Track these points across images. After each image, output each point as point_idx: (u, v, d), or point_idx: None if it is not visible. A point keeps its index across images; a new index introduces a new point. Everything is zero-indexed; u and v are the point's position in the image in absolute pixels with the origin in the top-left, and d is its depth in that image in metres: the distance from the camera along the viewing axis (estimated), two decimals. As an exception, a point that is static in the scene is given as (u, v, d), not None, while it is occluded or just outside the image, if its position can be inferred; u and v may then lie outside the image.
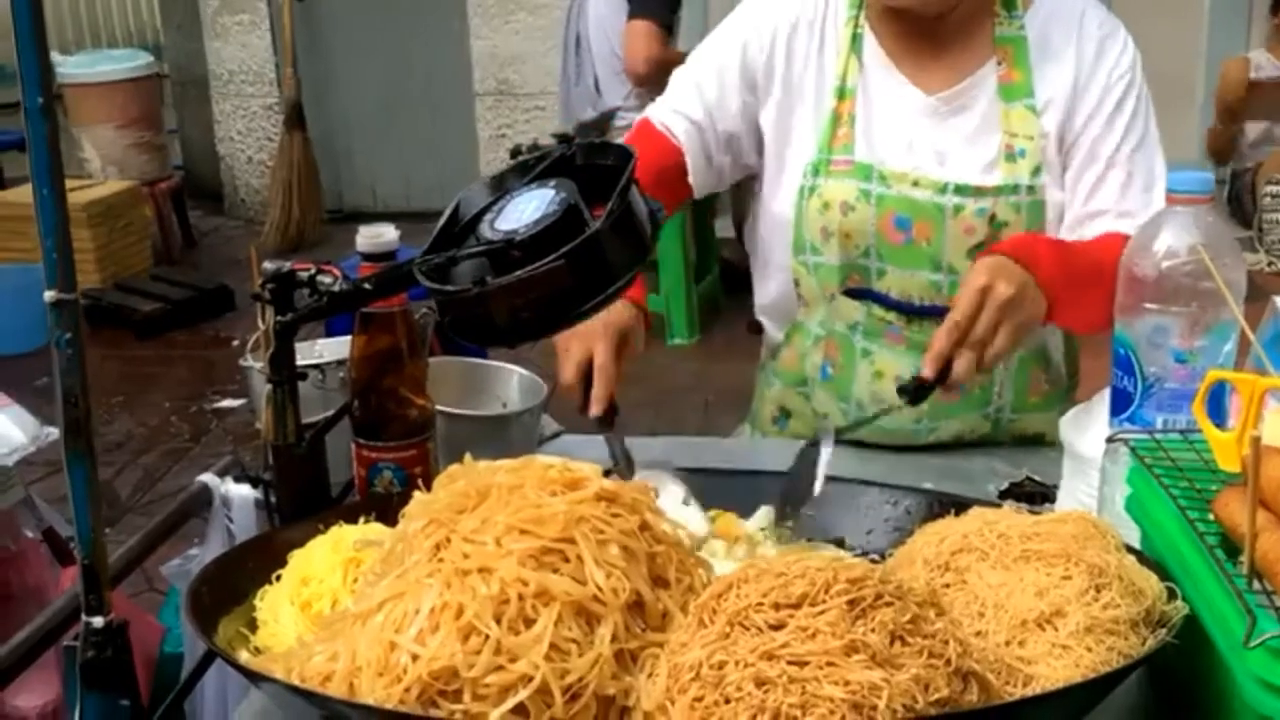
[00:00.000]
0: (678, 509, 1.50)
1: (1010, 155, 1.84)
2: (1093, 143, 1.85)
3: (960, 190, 1.83)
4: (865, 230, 1.85)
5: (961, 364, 1.58)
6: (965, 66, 1.87)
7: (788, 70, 1.91)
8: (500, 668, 1.02)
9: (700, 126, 1.94)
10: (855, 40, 1.89)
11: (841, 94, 1.88)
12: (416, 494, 1.22)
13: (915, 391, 1.60)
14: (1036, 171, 1.83)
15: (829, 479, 1.58)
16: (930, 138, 1.87)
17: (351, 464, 1.59)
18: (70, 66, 7.13)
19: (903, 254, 1.85)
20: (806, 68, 1.91)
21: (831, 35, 1.90)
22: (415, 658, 1.02)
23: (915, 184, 1.84)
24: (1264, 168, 6.13)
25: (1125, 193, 1.84)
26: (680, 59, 2.08)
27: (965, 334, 1.58)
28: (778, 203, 1.93)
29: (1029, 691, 1.07)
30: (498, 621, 1.03)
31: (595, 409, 1.66)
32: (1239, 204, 6.39)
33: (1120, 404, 1.47)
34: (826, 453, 1.56)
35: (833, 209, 1.85)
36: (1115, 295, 1.51)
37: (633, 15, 5.17)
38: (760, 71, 1.91)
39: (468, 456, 1.25)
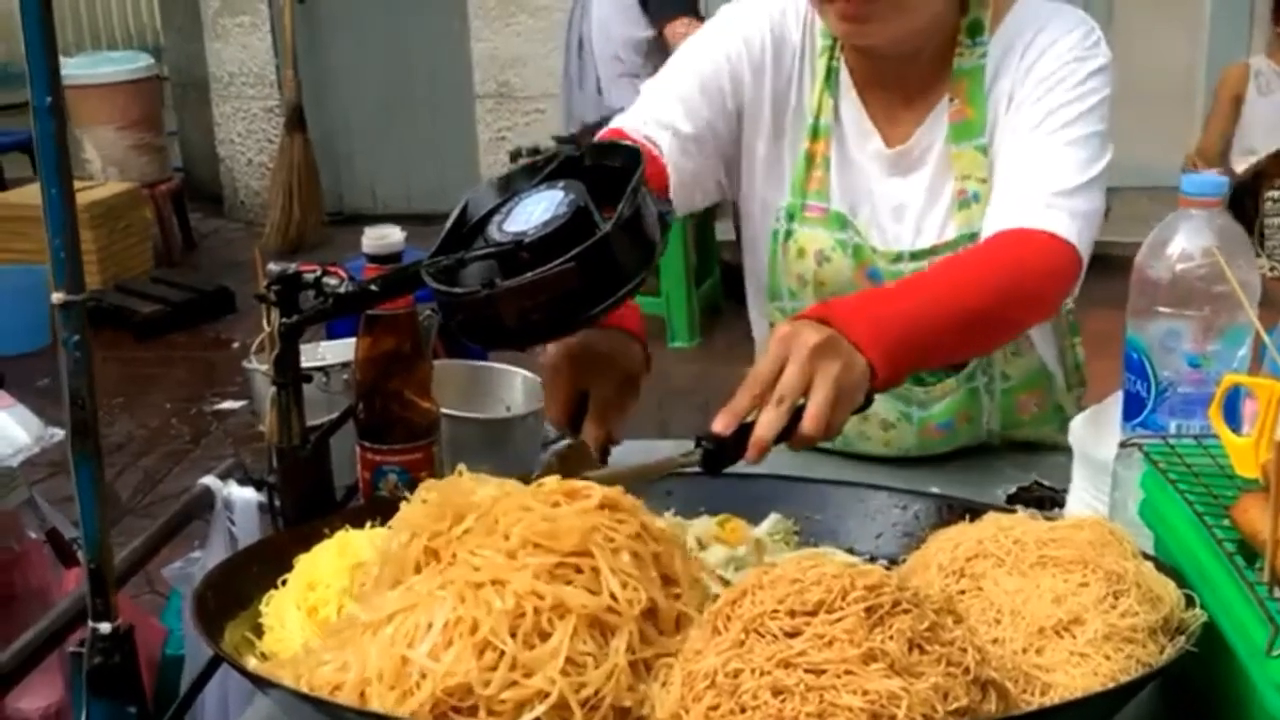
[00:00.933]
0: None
1: (964, 202, 1.74)
2: (1012, 130, 1.70)
3: (915, 256, 1.76)
4: (841, 280, 1.77)
5: (766, 417, 1.33)
6: (920, 112, 1.77)
7: (775, 97, 1.80)
8: (516, 684, 1.00)
9: (686, 140, 1.77)
10: (830, 75, 1.79)
11: (815, 133, 1.79)
12: (403, 505, 1.20)
13: (710, 455, 1.34)
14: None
15: (838, 483, 1.58)
16: (889, 193, 1.78)
17: (356, 467, 1.58)
18: (71, 68, 7.11)
19: None
20: (787, 96, 1.81)
21: (810, 65, 1.80)
22: (428, 674, 1.00)
23: (873, 250, 1.77)
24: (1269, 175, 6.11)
25: (1025, 177, 1.65)
26: None
27: (768, 387, 1.35)
28: (757, 244, 1.86)
29: (1047, 700, 1.06)
30: (513, 636, 1.01)
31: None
32: (1240, 209, 6.39)
33: (1133, 408, 1.46)
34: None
35: (807, 257, 1.78)
36: (1003, 284, 1.46)
37: (667, 18, 5.20)
38: (748, 100, 1.80)
39: (462, 467, 1.23)
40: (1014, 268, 1.59)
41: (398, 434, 1.55)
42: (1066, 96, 1.68)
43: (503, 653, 1.00)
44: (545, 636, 1.02)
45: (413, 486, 1.51)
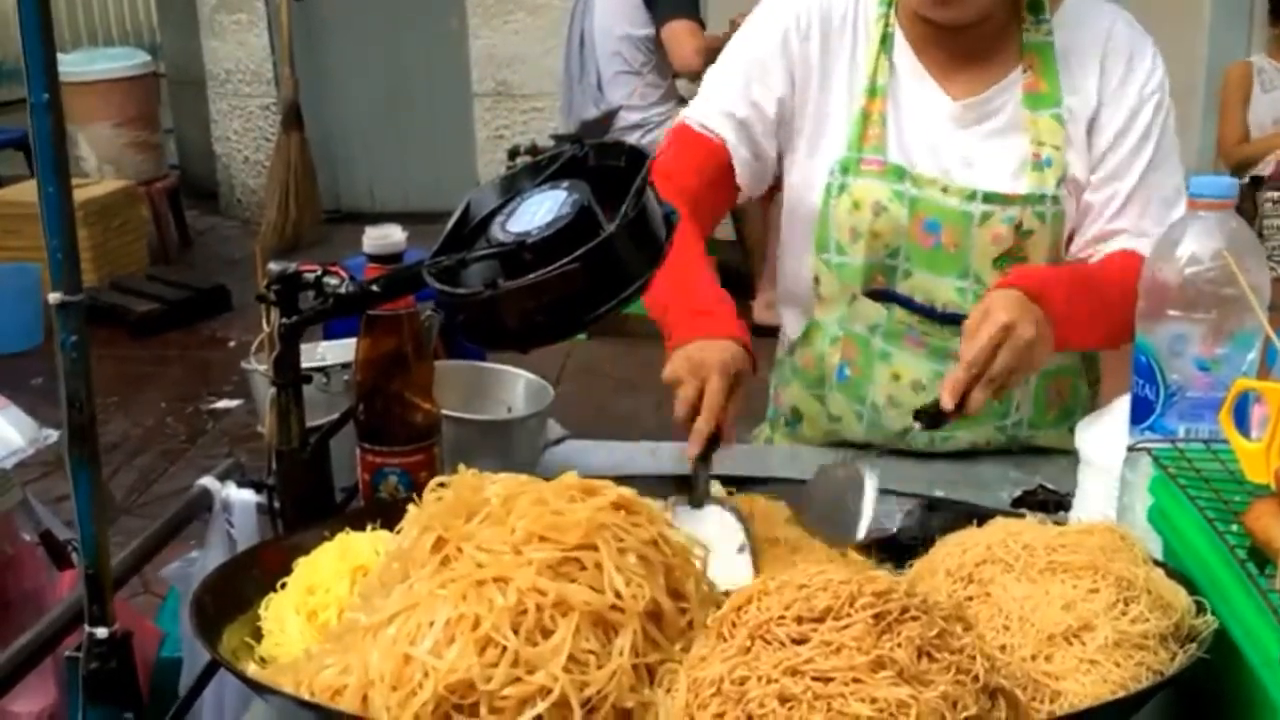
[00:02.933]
0: (731, 555, 1.45)
1: (1037, 164, 1.81)
2: (1119, 162, 1.83)
3: (989, 198, 1.81)
4: (897, 232, 1.83)
5: (977, 397, 1.56)
6: (992, 73, 1.85)
7: (823, 62, 1.88)
8: (518, 680, 0.99)
9: (745, 122, 1.90)
10: (885, 39, 1.86)
11: (872, 92, 1.85)
12: (411, 507, 1.18)
13: (932, 418, 1.58)
14: (1060, 182, 1.81)
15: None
16: (956, 143, 1.84)
17: (356, 469, 1.56)
18: (67, 65, 7.09)
19: (931, 258, 1.83)
20: (839, 61, 1.88)
21: (863, 31, 1.88)
22: (430, 671, 0.99)
23: (944, 190, 1.82)
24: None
25: (1145, 212, 1.83)
26: (724, 42, 2.05)
27: (984, 370, 1.56)
28: (804, 198, 1.90)
29: (1057, 708, 1.05)
30: (515, 632, 1.00)
31: (692, 448, 1.60)
32: (1240, 210, 6.37)
33: (1141, 412, 1.45)
34: (872, 489, 1.51)
35: (863, 209, 1.83)
36: (1129, 312, 1.50)
37: (667, 18, 5.23)
38: (798, 63, 1.88)
39: (461, 466, 1.21)
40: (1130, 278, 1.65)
41: (398, 435, 1.53)
42: (1168, 134, 1.86)
43: (505, 648, 0.99)
44: (548, 633, 1.01)
45: (413, 489, 1.50)
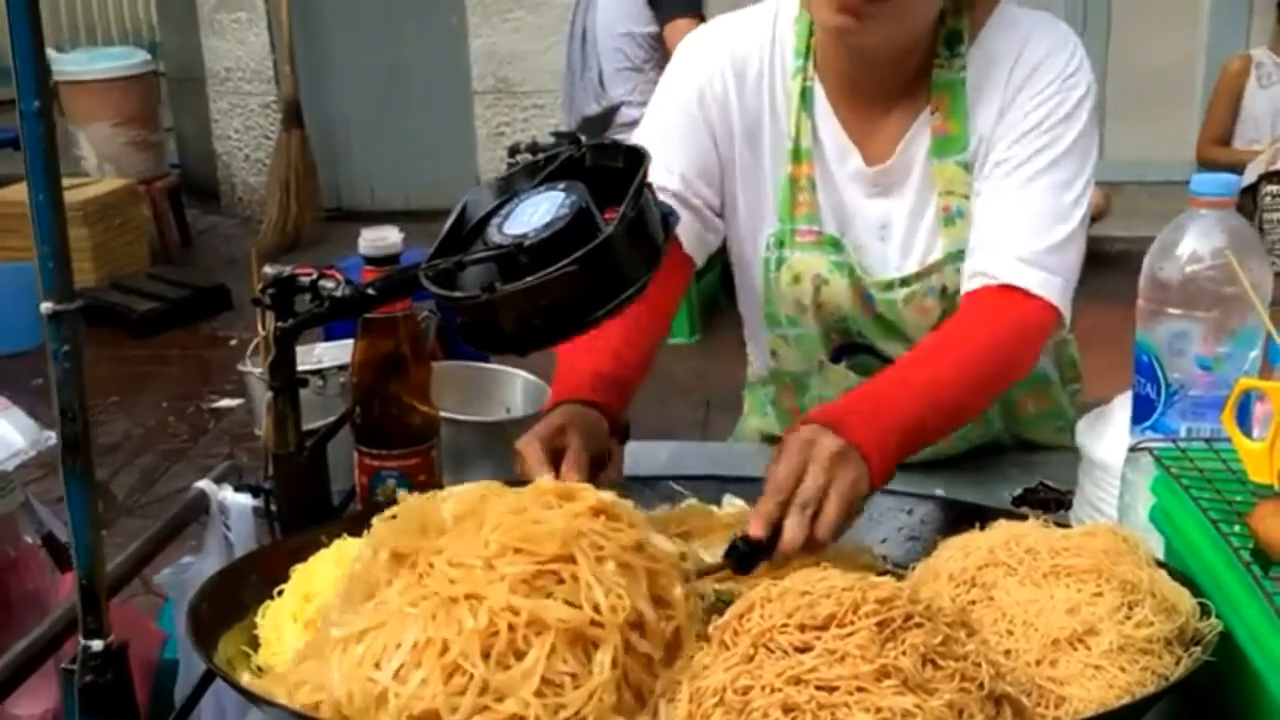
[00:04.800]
0: None
1: (949, 219, 1.70)
2: (996, 164, 1.66)
3: (905, 282, 1.72)
4: (840, 304, 1.74)
5: (792, 524, 1.33)
6: (901, 126, 1.71)
7: (743, 123, 1.74)
8: (486, 709, 0.96)
9: (679, 196, 1.71)
10: (805, 95, 1.72)
11: (797, 156, 1.73)
12: (375, 521, 1.16)
13: (745, 556, 1.33)
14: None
15: None
16: (871, 212, 1.74)
17: (353, 472, 1.55)
18: (66, 64, 7.10)
19: (876, 327, 1.76)
20: (760, 121, 1.74)
21: (781, 86, 1.73)
22: (393, 698, 0.97)
23: (864, 274, 1.73)
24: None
25: (1012, 222, 1.64)
26: None
27: (790, 494, 1.35)
28: (745, 273, 1.83)
29: (1062, 714, 1.04)
30: (486, 656, 0.97)
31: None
32: (1239, 205, 6.36)
33: (1142, 411, 1.44)
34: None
35: (804, 281, 1.74)
36: (989, 370, 1.48)
37: (670, 16, 5.22)
38: (718, 125, 1.74)
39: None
40: (991, 345, 1.58)
41: (396, 438, 1.53)
42: (1051, 135, 1.65)
43: (472, 676, 0.97)
44: (521, 655, 0.98)
45: (412, 491, 1.49)
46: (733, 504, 1.55)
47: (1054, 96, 1.65)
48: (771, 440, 1.96)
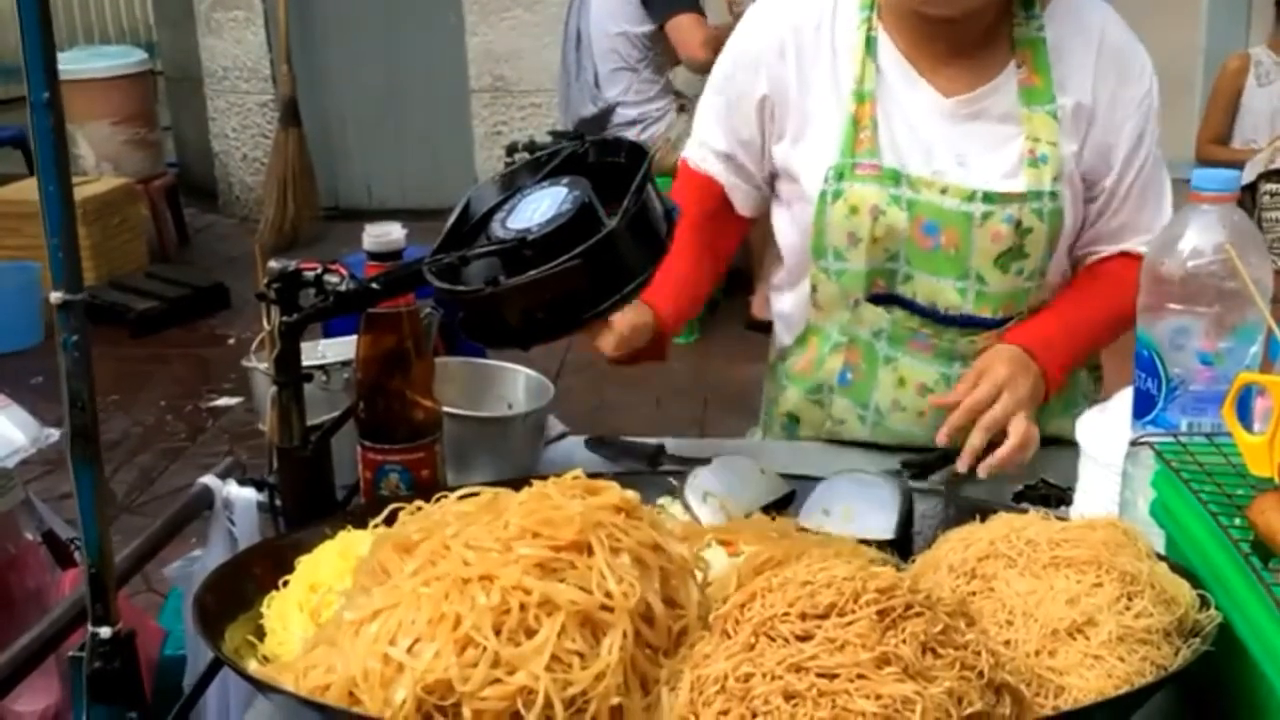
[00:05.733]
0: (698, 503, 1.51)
1: (1033, 161, 1.81)
2: (1121, 163, 1.86)
3: (988, 198, 1.80)
4: (897, 235, 1.82)
5: (975, 437, 1.70)
6: (985, 69, 1.84)
7: (800, 76, 1.87)
8: (498, 680, 0.98)
9: (731, 156, 1.93)
10: (870, 43, 1.84)
11: (860, 97, 1.83)
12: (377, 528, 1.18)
13: (923, 465, 1.73)
14: (1057, 178, 1.81)
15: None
16: (950, 142, 1.83)
17: (357, 466, 1.56)
18: (64, 63, 7.01)
19: (931, 260, 1.83)
20: (819, 73, 1.86)
21: (843, 39, 1.86)
22: (408, 670, 0.98)
23: (943, 191, 1.81)
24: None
25: (1141, 211, 1.88)
26: (728, 31, 2.05)
27: (978, 416, 1.71)
28: (797, 206, 1.90)
29: (1061, 703, 1.05)
30: (497, 632, 0.99)
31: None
32: (1239, 203, 6.36)
33: (1143, 406, 1.45)
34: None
35: (861, 213, 1.81)
36: (1123, 322, 1.61)
37: (669, 14, 5.23)
38: (776, 84, 1.88)
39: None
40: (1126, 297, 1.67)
41: (399, 433, 1.53)
42: (1152, 124, 1.88)
43: (485, 649, 0.98)
44: (532, 633, 1.00)
45: (414, 486, 1.50)
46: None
47: (1149, 87, 1.87)
48: (796, 421, 2.01)
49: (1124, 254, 1.89)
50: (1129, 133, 1.85)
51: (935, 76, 1.85)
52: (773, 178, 1.95)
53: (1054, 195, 1.80)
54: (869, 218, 1.81)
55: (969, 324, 1.85)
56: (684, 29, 5.25)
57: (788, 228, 1.94)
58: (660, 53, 5.45)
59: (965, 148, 1.83)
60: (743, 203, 1.97)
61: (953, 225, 1.80)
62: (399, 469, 1.53)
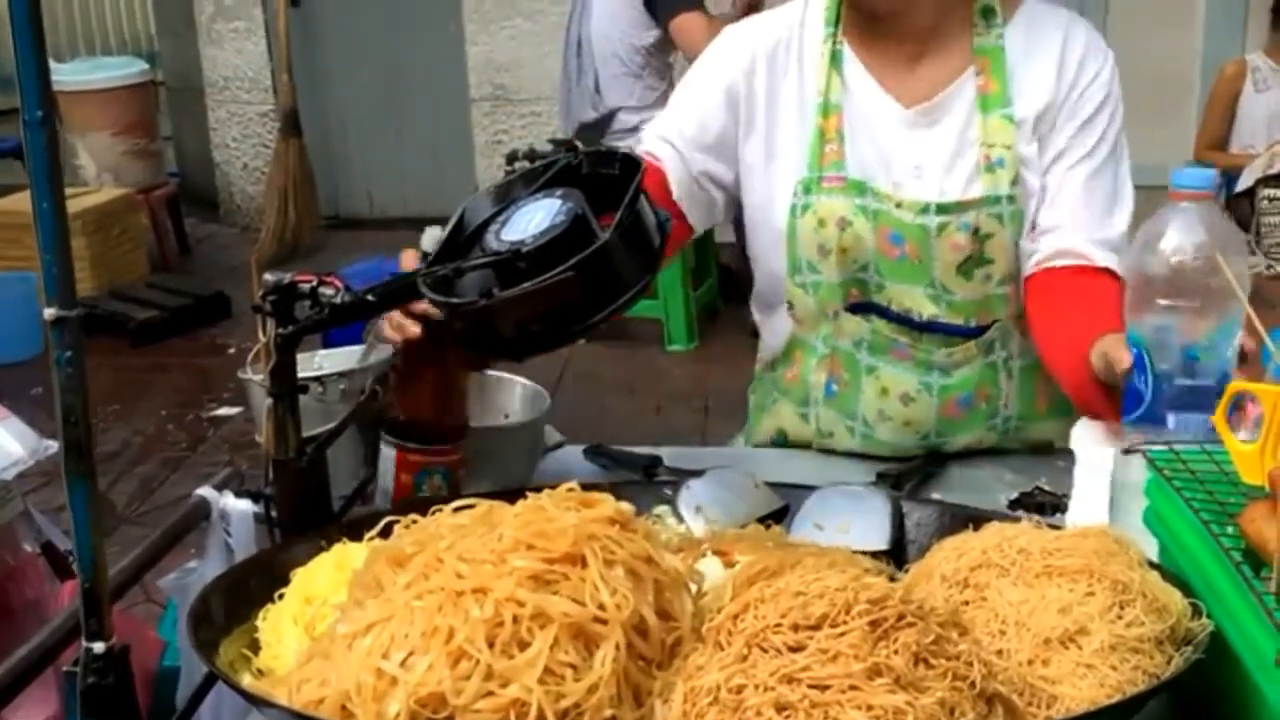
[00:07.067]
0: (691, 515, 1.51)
1: (989, 166, 1.81)
2: (1060, 152, 1.84)
3: (941, 209, 1.80)
4: (864, 245, 1.83)
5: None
6: (942, 77, 1.85)
7: (770, 93, 1.89)
8: (491, 693, 0.98)
9: (683, 146, 1.91)
10: (835, 57, 1.87)
11: (825, 110, 1.85)
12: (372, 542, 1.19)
13: (899, 476, 1.73)
14: (1015, 181, 1.81)
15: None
16: (909, 152, 1.84)
17: (368, 473, 1.56)
18: (65, 74, 7.09)
19: (898, 269, 1.84)
20: (787, 87, 1.89)
21: (810, 53, 1.88)
22: (401, 683, 0.99)
23: (899, 205, 1.81)
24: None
25: (1087, 208, 1.83)
26: (731, 21, 2.08)
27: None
28: (768, 220, 1.90)
29: (1054, 713, 1.05)
30: (490, 645, 0.99)
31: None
32: (1236, 207, 6.37)
33: (1131, 403, 1.47)
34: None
35: (829, 225, 1.83)
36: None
37: (675, 13, 5.22)
38: (743, 98, 1.89)
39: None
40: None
41: (443, 435, 1.56)
42: (1108, 123, 1.86)
43: (478, 661, 0.99)
44: (525, 646, 1.00)
45: (454, 486, 1.52)
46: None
47: (1106, 86, 1.86)
48: (784, 434, 2.02)
49: (1080, 268, 1.81)
50: (1072, 128, 1.84)
51: (896, 86, 1.86)
52: (737, 204, 1.96)
53: (1013, 199, 1.81)
54: (836, 229, 1.82)
55: (944, 332, 1.85)
56: (691, 27, 5.24)
57: (765, 249, 1.94)
58: (662, 59, 5.46)
59: (923, 158, 1.84)
60: (687, 202, 1.91)
61: (913, 237, 1.82)
62: (442, 470, 1.55)
